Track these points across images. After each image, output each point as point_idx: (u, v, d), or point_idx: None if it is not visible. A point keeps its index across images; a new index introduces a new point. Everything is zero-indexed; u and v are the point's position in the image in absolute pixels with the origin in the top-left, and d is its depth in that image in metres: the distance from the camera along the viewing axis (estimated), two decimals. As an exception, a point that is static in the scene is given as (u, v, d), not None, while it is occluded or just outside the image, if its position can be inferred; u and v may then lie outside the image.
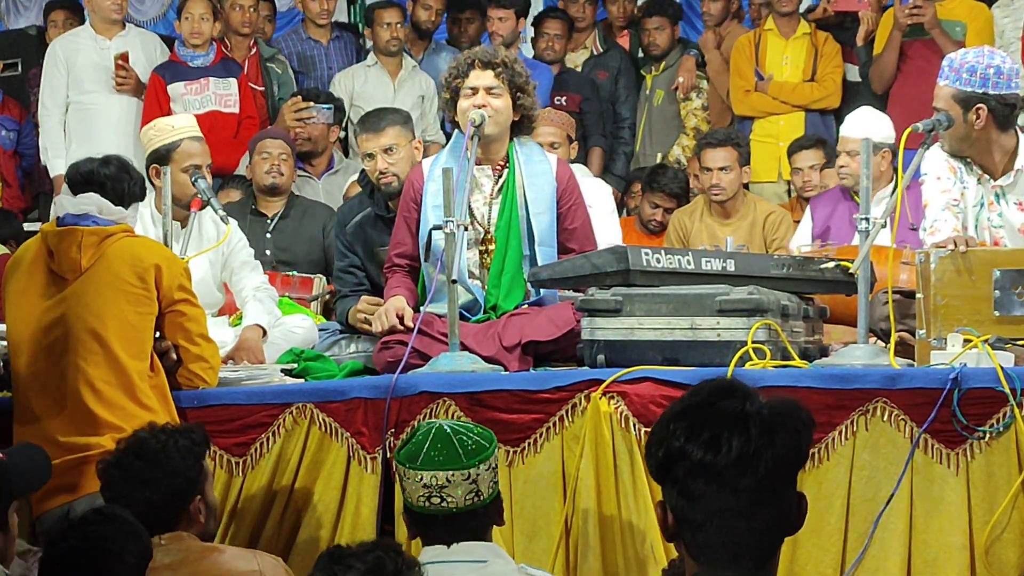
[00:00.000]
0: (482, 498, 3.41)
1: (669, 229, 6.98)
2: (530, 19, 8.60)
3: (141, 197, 4.56)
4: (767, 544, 2.18)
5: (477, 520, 3.43)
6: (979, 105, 4.51)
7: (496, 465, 3.49)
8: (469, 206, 4.58)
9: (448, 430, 3.45)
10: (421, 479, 3.39)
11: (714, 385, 2.22)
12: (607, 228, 5.88)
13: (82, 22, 8.30)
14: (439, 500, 3.38)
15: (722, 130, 7.19)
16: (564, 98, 7.94)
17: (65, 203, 4.32)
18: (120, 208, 4.35)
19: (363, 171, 5.51)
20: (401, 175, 5.17)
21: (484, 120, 4.63)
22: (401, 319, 4.60)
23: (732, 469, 2.13)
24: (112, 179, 4.40)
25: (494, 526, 3.51)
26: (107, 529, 3.16)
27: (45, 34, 8.37)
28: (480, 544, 3.41)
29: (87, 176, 4.41)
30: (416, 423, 4.16)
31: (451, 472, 3.38)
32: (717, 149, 6.72)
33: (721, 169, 6.70)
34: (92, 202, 4.28)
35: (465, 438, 3.43)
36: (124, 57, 7.38)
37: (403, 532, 4.10)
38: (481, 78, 4.73)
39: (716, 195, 6.73)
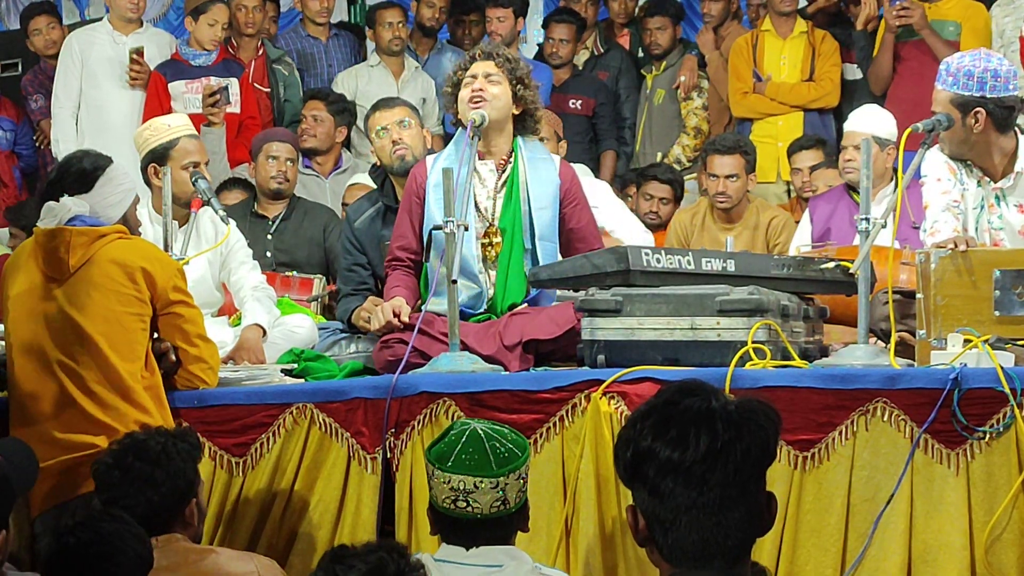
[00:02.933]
0: (508, 507, 3.39)
1: (669, 229, 6.97)
2: (539, 21, 8.64)
3: (95, 174, 4.40)
4: (738, 543, 2.18)
5: (502, 527, 3.40)
6: (977, 109, 4.50)
7: (526, 474, 3.46)
8: (474, 199, 4.60)
9: (482, 434, 3.42)
10: (449, 481, 3.36)
11: (679, 385, 2.24)
12: (627, 220, 5.91)
13: (62, 24, 8.32)
14: (465, 504, 3.36)
15: (731, 136, 7.14)
16: (579, 102, 7.97)
17: (43, 220, 4.31)
18: (102, 202, 4.32)
19: (373, 165, 5.53)
20: (414, 150, 5.23)
21: (484, 121, 4.65)
22: (398, 317, 4.61)
23: (700, 465, 2.14)
24: (60, 173, 4.39)
25: (519, 532, 3.49)
26: (115, 527, 3.17)
27: (27, 40, 8.35)
28: (499, 548, 3.39)
29: (46, 190, 4.41)
30: (418, 420, 4.17)
31: (480, 479, 3.35)
32: (724, 156, 6.69)
33: (728, 177, 6.68)
34: (63, 205, 4.27)
35: (498, 444, 3.40)
36: (140, 52, 7.40)
37: (403, 532, 4.12)
38: (481, 67, 4.78)
39: (721, 203, 6.71)
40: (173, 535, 3.51)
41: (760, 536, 2.22)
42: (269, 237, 6.36)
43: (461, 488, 3.35)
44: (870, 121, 6.01)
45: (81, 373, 4.14)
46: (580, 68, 8.25)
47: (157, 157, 5.11)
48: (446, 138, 7.43)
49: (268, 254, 6.23)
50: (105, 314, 4.16)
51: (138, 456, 3.57)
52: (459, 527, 3.39)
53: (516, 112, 4.81)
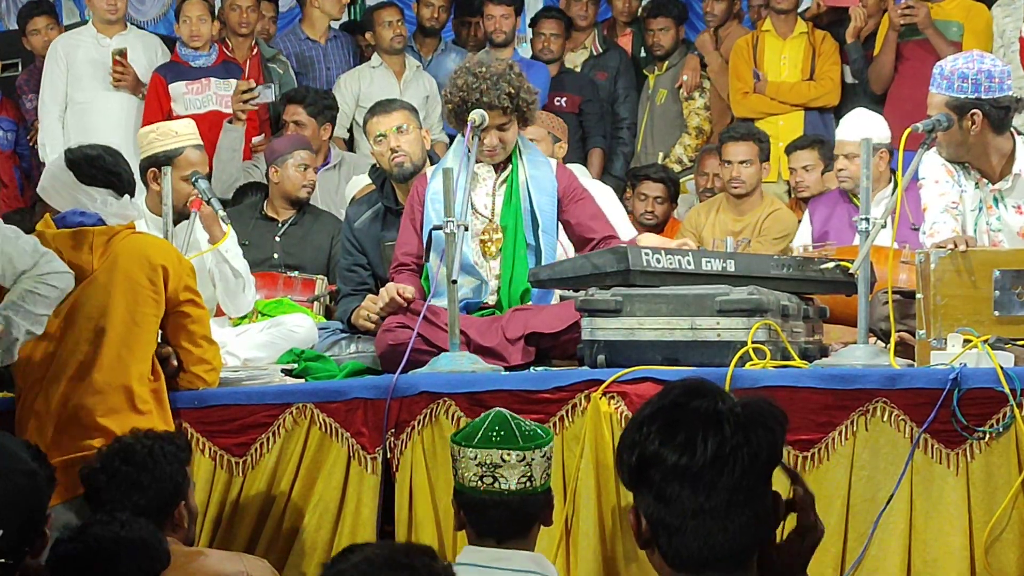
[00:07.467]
0: (535, 484, 3.37)
1: (684, 223, 7.03)
2: (527, 19, 8.61)
3: (132, 190, 4.50)
4: (745, 545, 2.14)
5: (527, 509, 3.36)
6: (974, 111, 4.50)
7: (551, 456, 3.46)
8: (471, 200, 4.61)
9: (507, 415, 3.45)
10: (476, 457, 3.35)
11: (684, 386, 2.18)
12: (622, 229, 5.93)
13: (60, 24, 8.32)
14: (492, 480, 3.33)
15: (743, 125, 7.27)
16: (564, 99, 7.94)
17: (81, 197, 4.29)
18: (127, 201, 4.34)
19: (373, 166, 5.53)
20: (413, 156, 5.25)
21: (484, 120, 4.65)
22: (402, 296, 4.61)
23: (708, 470, 2.09)
24: (118, 172, 4.40)
25: (542, 526, 3.46)
26: (122, 528, 3.17)
27: (24, 39, 8.34)
28: (526, 554, 3.36)
29: (91, 161, 4.39)
30: (418, 420, 4.18)
31: (506, 452, 3.34)
32: (738, 143, 6.83)
33: (742, 162, 6.79)
34: (103, 197, 4.27)
35: (523, 423, 3.42)
36: (122, 53, 7.39)
37: (403, 533, 4.12)
38: (491, 118, 4.71)
39: (736, 188, 6.78)
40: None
41: (768, 536, 2.18)
42: (277, 239, 6.36)
43: (488, 463, 3.34)
44: (860, 127, 6.02)
45: (92, 375, 4.14)
46: (579, 68, 8.23)
47: (159, 162, 5.07)
48: (451, 138, 7.42)
49: (276, 255, 6.25)
50: (122, 314, 4.18)
51: (124, 460, 3.57)
52: (487, 510, 3.34)
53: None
